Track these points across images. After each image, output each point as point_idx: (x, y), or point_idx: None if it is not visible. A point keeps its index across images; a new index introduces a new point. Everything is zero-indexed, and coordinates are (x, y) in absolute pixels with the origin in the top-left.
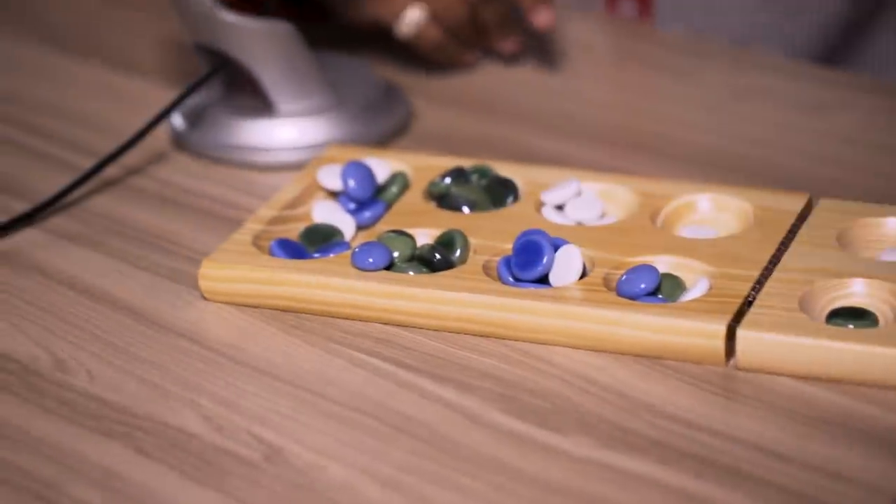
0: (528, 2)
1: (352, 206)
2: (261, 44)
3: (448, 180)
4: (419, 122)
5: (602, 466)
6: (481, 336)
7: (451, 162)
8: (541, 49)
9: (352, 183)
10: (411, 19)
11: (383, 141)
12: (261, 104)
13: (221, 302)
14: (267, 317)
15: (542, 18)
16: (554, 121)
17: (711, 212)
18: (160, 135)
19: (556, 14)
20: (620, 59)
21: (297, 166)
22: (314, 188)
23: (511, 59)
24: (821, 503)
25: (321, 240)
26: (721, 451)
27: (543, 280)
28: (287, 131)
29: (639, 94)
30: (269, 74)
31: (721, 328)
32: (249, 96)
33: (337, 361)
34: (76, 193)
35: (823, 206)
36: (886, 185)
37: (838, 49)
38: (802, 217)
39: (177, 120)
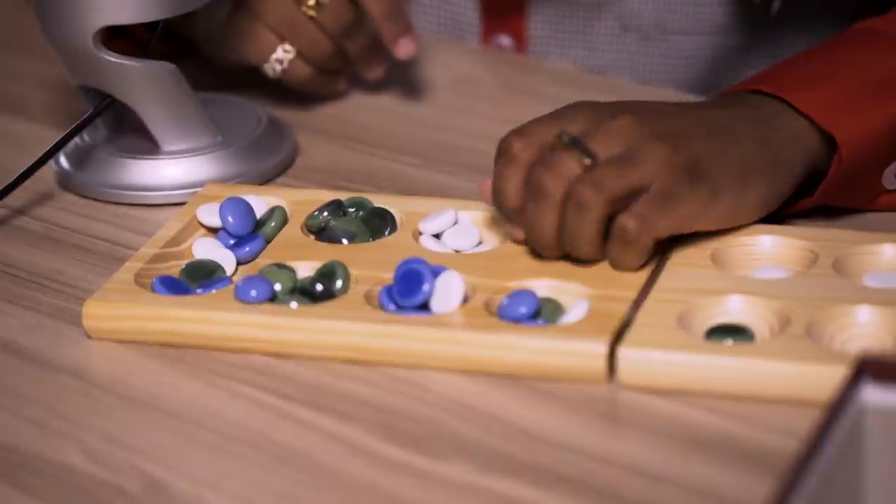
0: (389, 34)
1: (231, 241)
2: (143, 84)
3: (326, 213)
4: (305, 158)
5: (480, 491)
6: (365, 364)
7: (328, 195)
8: (419, 82)
9: (230, 219)
10: (278, 60)
11: (269, 177)
12: (146, 144)
13: (106, 340)
14: (149, 352)
15: (402, 49)
16: (435, 153)
17: None
18: (45, 175)
19: (418, 44)
20: (499, 90)
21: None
22: (194, 226)
23: (378, 86)
24: None
25: (203, 276)
26: (598, 473)
27: (425, 307)
28: (172, 171)
29: (517, 124)
30: (153, 114)
31: (602, 348)
32: (134, 136)
33: (218, 393)
34: None
35: None
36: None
37: (710, 81)
38: (676, 238)
39: (62, 160)
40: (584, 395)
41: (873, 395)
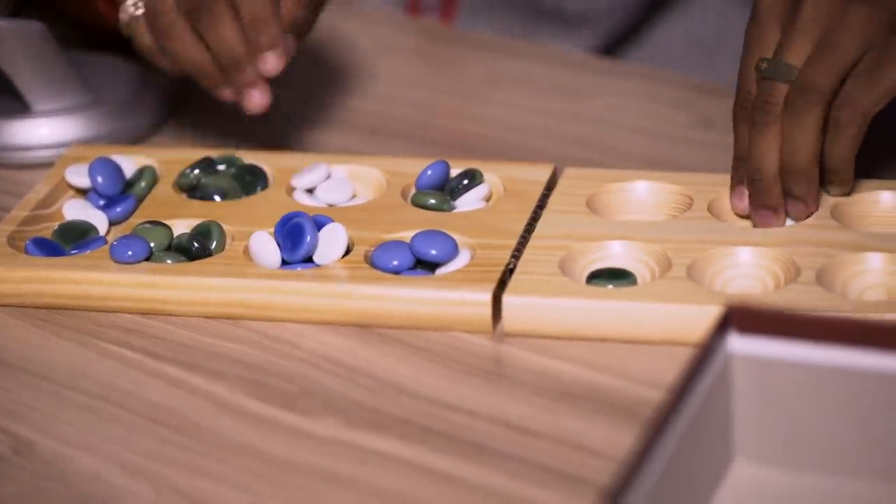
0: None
1: (101, 202)
2: (10, 43)
3: (197, 171)
4: (179, 117)
5: (347, 446)
6: (248, 319)
7: (198, 154)
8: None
9: (100, 179)
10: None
11: (141, 136)
12: (16, 104)
13: None
14: (18, 314)
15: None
16: (304, 109)
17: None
18: None
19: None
20: (380, 50)
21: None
22: (63, 187)
23: None
24: (565, 474)
25: (76, 236)
26: (466, 426)
27: (308, 260)
28: (43, 130)
29: (396, 84)
30: (22, 74)
31: (486, 296)
32: (4, 96)
33: (87, 353)
34: None
35: (569, 175)
36: (633, 163)
37: (619, 39)
38: (550, 186)
39: None
40: (454, 350)
41: (738, 344)
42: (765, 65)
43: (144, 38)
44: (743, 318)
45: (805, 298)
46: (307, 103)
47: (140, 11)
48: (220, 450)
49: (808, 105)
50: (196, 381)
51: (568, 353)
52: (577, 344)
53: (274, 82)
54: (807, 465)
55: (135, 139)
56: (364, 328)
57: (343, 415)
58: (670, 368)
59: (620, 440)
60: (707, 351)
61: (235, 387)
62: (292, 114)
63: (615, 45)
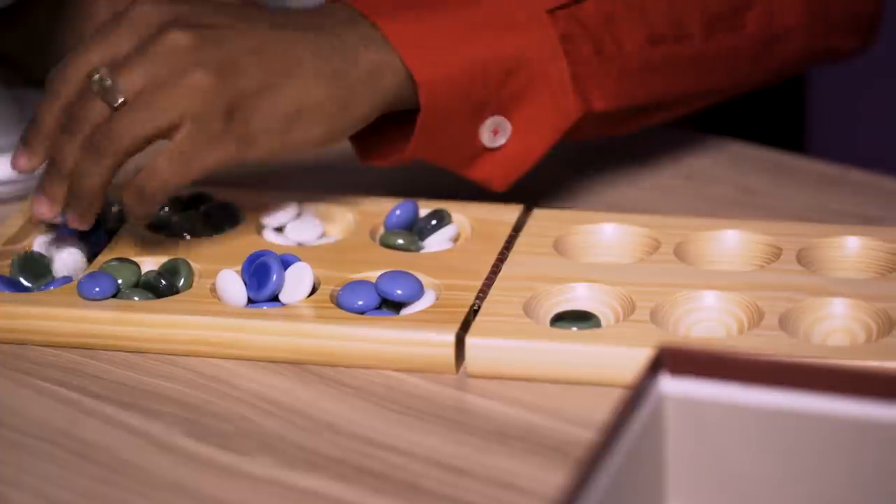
0: None
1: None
2: None
3: (167, 209)
4: None
5: (282, 486)
6: (213, 357)
7: None
8: None
9: None
10: None
11: None
12: None
13: None
14: None
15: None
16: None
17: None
18: None
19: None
20: None
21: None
22: (35, 221)
23: None
24: None
25: (44, 272)
26: (400, 466)
27: (275, 299)
28: None
29: None
30: None
31: (449, 337)
32: None
33: (22, 391)
34: None
35: (538, 216)
36: (593, 206)
37: None
38: (518, 227)
39: None
40: (389, 390)
41: (671, 385)
42: (98, 79)
43: None
44: (675, 359)
45: (767, 343)
46: None
47: None
48: (154, 489)
49: (112, 153)
50: (132, 419)
51: (502, 393)
52: (511, 384)
53: None
54: None
55: None
56: (300, 367)
57: (278, 455)
58: (606, 409)
59: (552, 480)
60: (638, 392)
61: (171, 426)
62: None
63: None
